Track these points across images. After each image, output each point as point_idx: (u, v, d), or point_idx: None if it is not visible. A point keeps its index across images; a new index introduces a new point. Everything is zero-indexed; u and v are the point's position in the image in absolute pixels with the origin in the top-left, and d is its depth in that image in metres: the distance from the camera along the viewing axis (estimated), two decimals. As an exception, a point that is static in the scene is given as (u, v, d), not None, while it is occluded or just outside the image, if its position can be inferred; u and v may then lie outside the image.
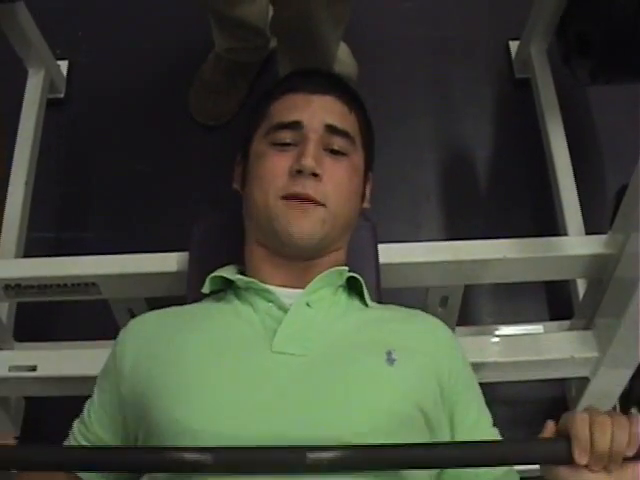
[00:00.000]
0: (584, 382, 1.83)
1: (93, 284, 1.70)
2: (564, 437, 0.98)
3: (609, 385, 1.80)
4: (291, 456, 0.98)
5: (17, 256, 2.04)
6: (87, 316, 2.00)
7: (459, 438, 1.20)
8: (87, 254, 1.75)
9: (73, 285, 1.71)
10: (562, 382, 1.99)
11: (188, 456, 0.98)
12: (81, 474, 1.20)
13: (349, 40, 2.35)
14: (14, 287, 1.72)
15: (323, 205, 1.24)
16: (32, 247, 2.13)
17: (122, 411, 1.20)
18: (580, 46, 1.93)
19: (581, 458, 0.96)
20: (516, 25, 2.42)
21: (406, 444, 1.02)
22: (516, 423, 1.97)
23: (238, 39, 2.32)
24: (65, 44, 2.55)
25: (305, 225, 1.22)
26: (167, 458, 1.00)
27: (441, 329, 1.29)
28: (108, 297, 1.76)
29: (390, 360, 1.15)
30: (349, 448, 1.00)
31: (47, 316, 2.14)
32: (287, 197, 1.23)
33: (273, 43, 2.35)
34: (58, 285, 1.71)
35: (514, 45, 2.49)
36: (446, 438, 1.19)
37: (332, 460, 0.97)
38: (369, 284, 1.38)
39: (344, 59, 2.35)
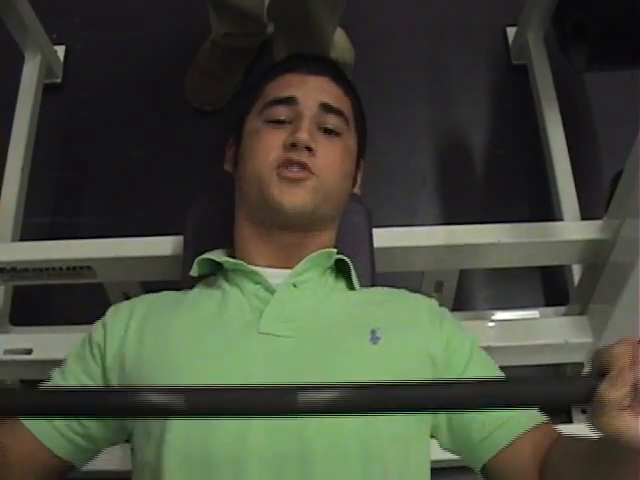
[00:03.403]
0: (579, 368, 1.83)
1: (88, 267, 1.71)
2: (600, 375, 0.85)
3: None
4: (280, 398, 0.83)
5: (13, 240, 2.04)
6: (82, 300, 2.01)
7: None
8: (83, 238, 1.76)
9: (68, 268, 1.71)
10: (557, 367, 1.99)
11: (156, 398, 0.82)
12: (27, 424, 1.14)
13: (346, 26, 2.35)
14: (9, 270, 1.73)
15: (315, 175, 1.23)
16: (28, 232, 2.13)
17: (105, 380, 1.19)
18: (577, 32, 1.92)
19: (613, 391, 0.82)
20: (513, 11, 2.41)
21: (416, 382, 0.87)
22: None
23: (235, 25, 2.32)
24: (62, 29, 2.55)
25: (297, 195, 1.22)
26: (130, 401, 0.84)
27: (426, 302, 1.28)
28: (103, 280, 1.76)
29: (374, 339, 1.15)
30: (348, 387, 0.83)
31: (43, 300, 2.14)
32: (280, 165, 1.22)
33: (270, 29, 2.34)
34: (53, 268, 1.71)
35: (511, 31, 2.49)
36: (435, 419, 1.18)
37: (329, 401, 0.82)
38: (363, 268, 1.39)
39: (341, 44, 2.35)
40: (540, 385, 0.86)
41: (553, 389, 0.86)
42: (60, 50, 2.51)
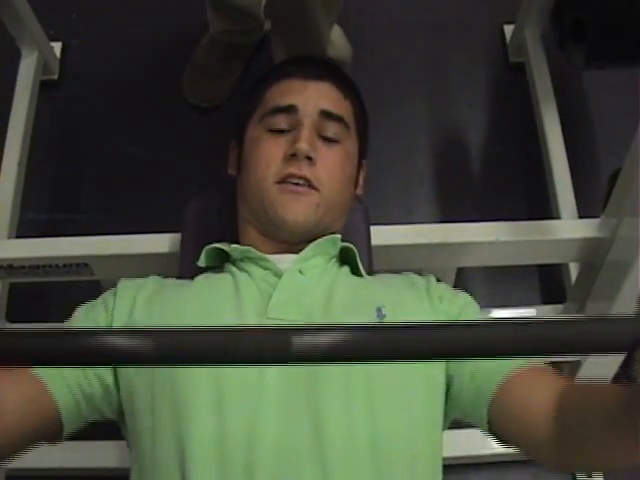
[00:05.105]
0: (575, 366, 1.83)
1: (85, 265, 1.70)
2: None
3: (600, 370, 1.80)
4: (272, 341, 0.68)
5: (10, 237, 2.03)
6: (79, 297, 2.00)
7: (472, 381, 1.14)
8: (80, 235, 1.75)
9: (65, 266, 1.71)
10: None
11: (119, 341, 0.68)
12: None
13: (343, 23, 2.34)
14: (6, 267, 1.72)
15: (317, 189, 1.25)
16: (25, 228, 2.12)
17: None
18: (575, 30, 1.92)
19: None
20: (511, 9, 2.41)
21: (429, 324, 0.70)
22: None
23: (233, 22, 2.31)
24: (59, 25, 2.54)
25: (299, 209, 1.23)
26: (88, 344, 0.68)
27: (424, 279, 1.28)
28: (100, 278, 1.75)
29: (380, 316, 1.16)
30: (352, 329, 0.69)
31: (39, 297, 2.14)
32: (282, 180, 1.24)
33: (267, 26, 2.34)
34: (50, 266, 1.71)
35: (509, 29, 2.49)
36: (441, 395, 1.17)
37: (328, 347, 0.67)
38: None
39: (338, 42, 2.34)
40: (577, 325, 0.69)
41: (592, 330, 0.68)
42: (57, 46, 2.49)
